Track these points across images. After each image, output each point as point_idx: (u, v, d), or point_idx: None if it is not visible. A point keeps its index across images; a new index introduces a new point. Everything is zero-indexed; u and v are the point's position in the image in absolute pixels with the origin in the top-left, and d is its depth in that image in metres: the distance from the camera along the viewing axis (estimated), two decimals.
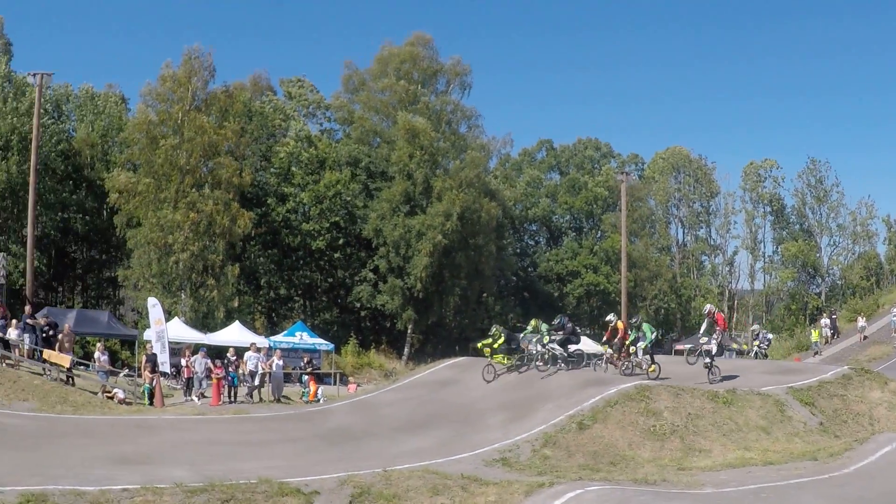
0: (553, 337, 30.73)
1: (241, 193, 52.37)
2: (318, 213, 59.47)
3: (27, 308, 37.27)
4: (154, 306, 37.89)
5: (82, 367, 34.82)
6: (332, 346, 46.81)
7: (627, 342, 29.47)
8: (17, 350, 33.04)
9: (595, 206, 76.50)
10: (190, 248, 47.95)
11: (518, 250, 77.13)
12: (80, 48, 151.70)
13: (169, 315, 41.33)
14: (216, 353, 36.93)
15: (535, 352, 30.58)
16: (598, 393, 25.12)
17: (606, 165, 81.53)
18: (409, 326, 58.84)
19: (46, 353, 32.75)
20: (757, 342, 38.47)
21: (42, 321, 34.73)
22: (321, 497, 18.25)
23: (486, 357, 31.30)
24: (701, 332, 29.85)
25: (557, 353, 30.28)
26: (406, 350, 58.50)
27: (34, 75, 45.35)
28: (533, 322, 32.41)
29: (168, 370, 37.10)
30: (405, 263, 56.98)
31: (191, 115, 50.49)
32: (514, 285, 74.17)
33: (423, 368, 38.69)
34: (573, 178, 78.04)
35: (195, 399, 33.21)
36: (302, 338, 44.86)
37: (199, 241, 48.32)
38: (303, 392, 37.52)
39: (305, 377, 38.67)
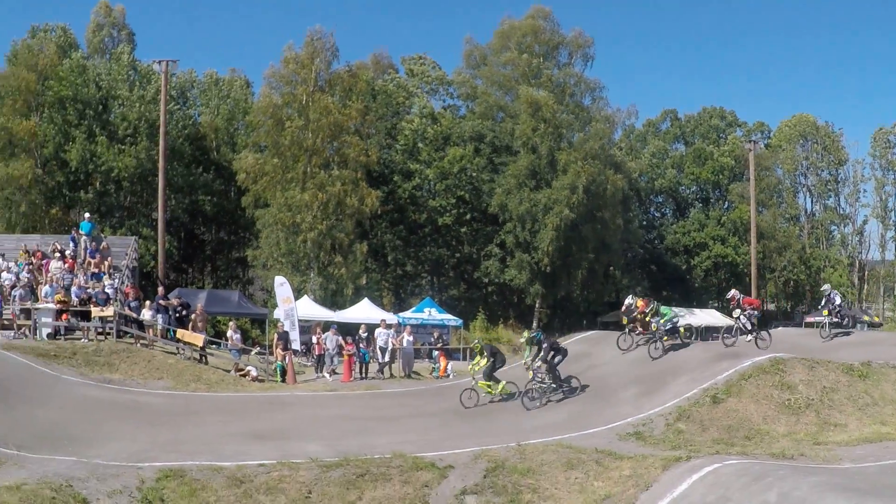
0: (536, 360, 26.32)
1: (367, 172, 52.32)
2: (444, 188, 59.16)
3: (160, 289, 37.79)
4: (282, 285, 37.95)
5: (214, 345, 35.12)
6: (460, 321, 46.49)
7: (647, 319, 29.31)
8: (150, 330, 33.52)
9: (721, 176, 74.51)
10: (318, 227, 48.18)
11: (644, 223, 75.75)
12: (202, 35, 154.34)
13: (298, 293, 41.43)
14: (346, 330, 36.79)
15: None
16: (732, 366, 24.33)
17: (732, 134, 79.26)
18: (537, 301, 58.19)
19: (180, 333, 33.14)
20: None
21: (175, 302, 35.19)
22: (455, 471, 18.17)
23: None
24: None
25: (544, 384, 25.94)
26: (534, 325, 57.69)
27: (160, 63, 46.07)
28: (525, 334, 30.40)
29: (299, 348, 37.16)
30: (532, 238, 56.30)
31: (315, 97, 50.68)
32: (641, 258, 72.98)
33: None
34: (699, 148, 76.16)
35: (327, 376, 33.20)
36: (430, 314, 44.63)
37: (326, 220, 48.48)
38: (433, 368, 37.36)
39: (435, 353, 38.41)
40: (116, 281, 36.65)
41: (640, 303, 30.18)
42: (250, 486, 17.37)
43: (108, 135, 54.87)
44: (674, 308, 31.98)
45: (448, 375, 35.32)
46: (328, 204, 48.88)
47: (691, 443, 19.90)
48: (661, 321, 28.46)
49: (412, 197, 59.62)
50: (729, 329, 30.24)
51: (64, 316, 33.89)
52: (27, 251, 38.82)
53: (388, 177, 58.78)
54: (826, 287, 31.69)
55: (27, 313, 33.88)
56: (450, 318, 45.60)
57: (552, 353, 25.99)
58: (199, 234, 62.14)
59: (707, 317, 61.24)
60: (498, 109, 62.78)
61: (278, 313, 38.48)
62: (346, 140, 51.50)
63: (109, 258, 38.57)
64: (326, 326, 36.05)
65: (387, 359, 34.76)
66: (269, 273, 49.62)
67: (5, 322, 34.16)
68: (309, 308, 42.49)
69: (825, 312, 30.22)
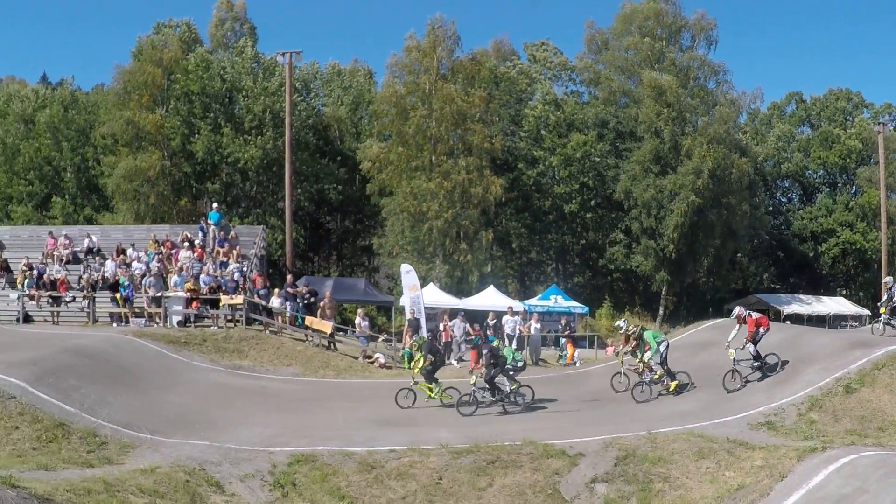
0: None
1: (491, 159, 51.96)
2: (567, 175, 58.44)
3: (288, 277, 38.18)
4: (408, 273, 37.82)
5: (341, 332, 35.16)
6: (586, 308, 45.80)
7: (630, 348, 25.65)
8: (279, 318, 33.80)
9: (848, 159, 71.65)
10: (444, 216, 47.96)
11: (770, 208, 73.47)
12: (323, 27, 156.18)
13: (424, 281, 41.29)
14: (471, 317, 36.50)
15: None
16: (865, 355, 23.25)
17: (859, 117, 76.21)
18: (663, 288, 57.08)
19: (308, 320, 33.47)
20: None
21: (303, 289, 35.45)
22: (586, 459, 18.00)
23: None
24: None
25: (479, 395, 23.99)
26: (661, 312, 56.78)
27: (283, 54, 46.57)
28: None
29: (426, 335, 37.03)
30: (657, 224, 55.21)
31: (438, 85, 50.45)
32: (768, 245, 70.79)
33: (680, 330, 37.57)
34: (825, 131, 73.51)
35: (454, 363, 32.92)
36: (556, 301, 44.11)
37: (452, 207, 48.21)
38: (560, 355, 36.90)
39: (562, 340, 37.90)
40: (245, 269, 37.05)
41: (630, 328, 26.09)
42: (381, 471, 17.46)
43: (234, 126, 55.59)
44: (659, 334, 27.40)
45: (575, 363, 35.03)
46: (453, 192, 48.64)
47: (824, 433, 19.26)
48: (650, 355, 24.73)
49: (537, 184, 59.05)
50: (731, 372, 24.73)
51: (194, 304, 34.51)
52: (157, 241, 39.62)
53: (513, 164, 58.29)
54: (888, 279, 29.09)
55: (158, 301, 34.52)
56: (575, 306, 44.98)
57: (491, 364, 23.70)
58: (325, 223, 62.62)
59: (836, 305, 59.93)
60: (621, 94, 61.80)
61: (404, 301, 38.42)
62: (469, 128, 51.13)
63: (238, 247, 39.14)
64: (453, 314, 35.79)
65: (514, 346, 34.39)
66: (394, 261, 49.68)
67: (136, 310, 34.85)
68: (435, 295, 42.31)
69: (882, 310, 27.91)
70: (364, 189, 53.11)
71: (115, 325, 34.26)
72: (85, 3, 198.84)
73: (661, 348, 24.90)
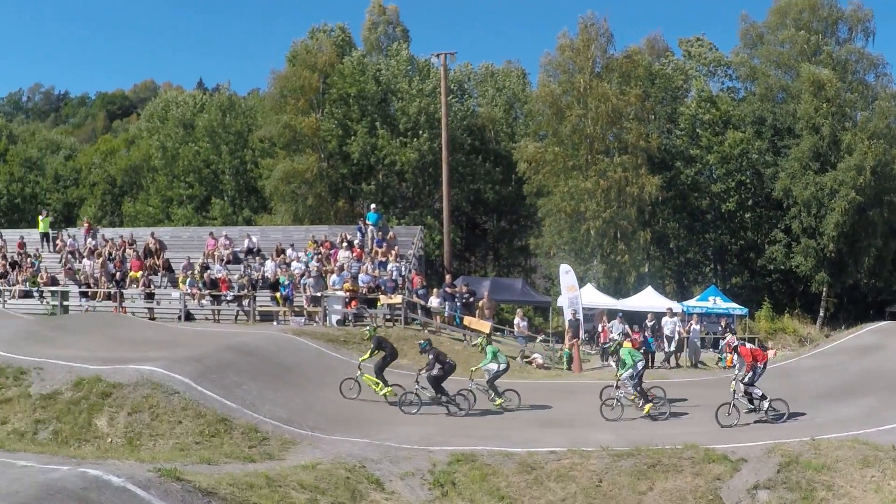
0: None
1: (648, 158, 51.14)
2: (725, 173, 57.07)
3: (447, 277, 38.25)
4: (567, 273, 37.49)
5: (499, 332, 35.02)
6: (745, 310, 44.51)
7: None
8: (437, 317, 33.88)
9: None
10: (602, 216, 47.35)
11: None
12: (474, 29, 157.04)
13: (581, 281, 40.83)
14: (629, 318, 35.90)
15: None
16: None
17: None
18: (823, 290, 55.09)
19: (467, 320, 33.52)
20: None
21: (462, 288, 35.52)
22: (748, 465, 17.64)
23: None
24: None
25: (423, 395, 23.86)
26: (821, 314, 54.86)
27: (438, 56, 46.75)
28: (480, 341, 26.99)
29: (583, 335, 36.67)
30: (817, 223, 53.33)
31: (593, 83, 50.01)
32: None
33: (842, 334, 37.12)
34: None
35: (613, 364, 32.30)
36: (715, 302, 42.98)
37: (609, 207, 47.60)
38: (719, 357, 35.87)
39: (722, 342, 36.96)
40: (403, 269, 37.27)
41: (626, 343, 25.26)
42: (541, 472, 17.38)
43: (389, 128, 56.08)
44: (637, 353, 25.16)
45: (735, 366, 33.87)
46: (609, 191, 48.03)
47: None
48: (623, 371, 23.69)
49: (694, 182, 57.80)
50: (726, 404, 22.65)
51: (353, 303, 34.88)
52: (315, 241, 40.25)
53: (670, 162, 57.22)
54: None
55: (317, 301, 35.01)
56: (734, 307, 43.78)
57: (435, 364, 23.55)
58: (481, 223, 62.64)
59: None
60: (779, 90, 60.00)
61: (562, 301, 38.05)
62: (625, 126, 50.60)
63: (396, 247, 39.46)
64: (612, 314, 35.26)
65: (673, 348, 33.73)
66: (551, 262, 49.42)
67: (296, 309, 35.44)
68: (592, 296, 41.85)
69: None
70: (520, 189, 52.89)
71: (274, 323, 34.94)
72: (238, 12, 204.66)
73: (638, 367, 23.58)
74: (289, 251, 39.76)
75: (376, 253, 39.08)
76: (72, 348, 24.64)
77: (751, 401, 22.12)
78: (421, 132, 55.22)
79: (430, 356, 23.92)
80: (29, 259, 41.83)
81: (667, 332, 34.50)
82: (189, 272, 38.23)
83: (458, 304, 34.53)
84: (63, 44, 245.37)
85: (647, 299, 42.16)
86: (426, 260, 47.56)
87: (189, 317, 36.63)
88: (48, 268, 41.02)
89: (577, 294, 36.90)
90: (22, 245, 44.48)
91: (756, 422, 21.61)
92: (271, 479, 14.69)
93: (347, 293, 35.16)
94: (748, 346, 23.33)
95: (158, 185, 67.79)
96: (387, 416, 21.80)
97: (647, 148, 50.49)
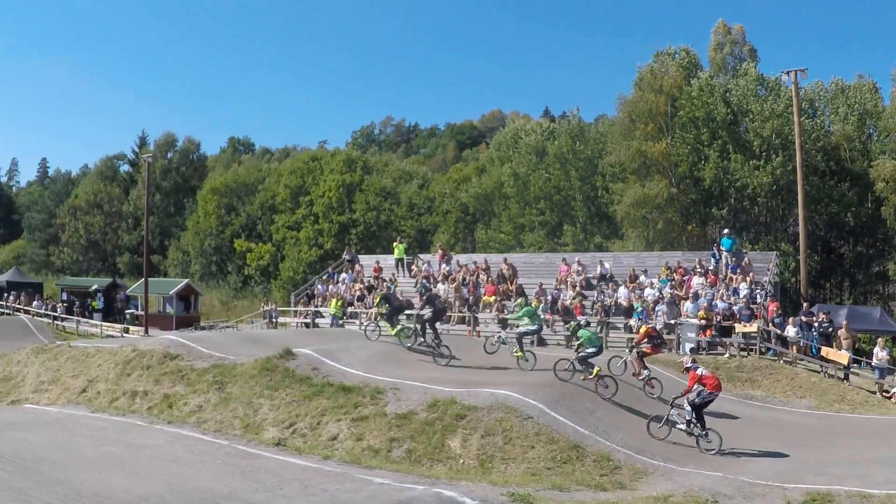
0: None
1: None
2: None
3: (804, 305, 37.56)
4: None
5: (856, 364, 34.12)
6: None
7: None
8: (793, 347, 33.44)
9: None
10: None
11: None
12: (823, 43, 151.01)
13: None
14: None
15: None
16: None
17: None
18: None
19: (824, 351, 32.69)
20: None
21: (822, 317, 34.62)
22: None
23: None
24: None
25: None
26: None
27: (788, 73, 45.67)
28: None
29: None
30: None
31: None
32: None
33: None
34: None
35: None
36: None
37: None
38: None
39: None
40: (758, 296, 37.02)
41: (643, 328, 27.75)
42: None
43: (742, 151, 55.49)
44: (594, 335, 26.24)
45: None
46: None
47: None
48: (577, 345, 25.32)
49: None
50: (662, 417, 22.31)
51: (707, 331, 35.00)
52: (668, 268, 40.63)
53: None
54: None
55: (671, 328, 35.49)
56: None
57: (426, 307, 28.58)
58: (837, 248, 60.48)
59: None
60: None
61: None
62: None
63: (751, 273, 39.01)
64: None
65: None
66: None
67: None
68: None
69: None
70: (878, 211, 50.91)
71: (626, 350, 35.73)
72: (579, 40, 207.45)
73: (588, 346, 24.62)
74: (642, 277, 40.42)
75: (730, 279, 38.98)
76: (425, 370, 25.71)
77: (689, 422, 21.49)
78: (774, 154, 54.28)
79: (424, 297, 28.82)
80: (385, 283, 44.24)
81: None
82: (542, 297, 39.89)
83: (815, 333, 33.92)
84: (413, 79, 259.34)
85: None
86: (780, 287, 46.78)
87: (541, 342, 37.67)
88: (403, 292, 43.02)
89: None
90: (378, 270, 47.80)
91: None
92: None
93: (702, 321, 35.41)
94: (700, 371, 21.89)
95: (510, 211, 70.12)
96: (739, 449, 21.37)
97: None
